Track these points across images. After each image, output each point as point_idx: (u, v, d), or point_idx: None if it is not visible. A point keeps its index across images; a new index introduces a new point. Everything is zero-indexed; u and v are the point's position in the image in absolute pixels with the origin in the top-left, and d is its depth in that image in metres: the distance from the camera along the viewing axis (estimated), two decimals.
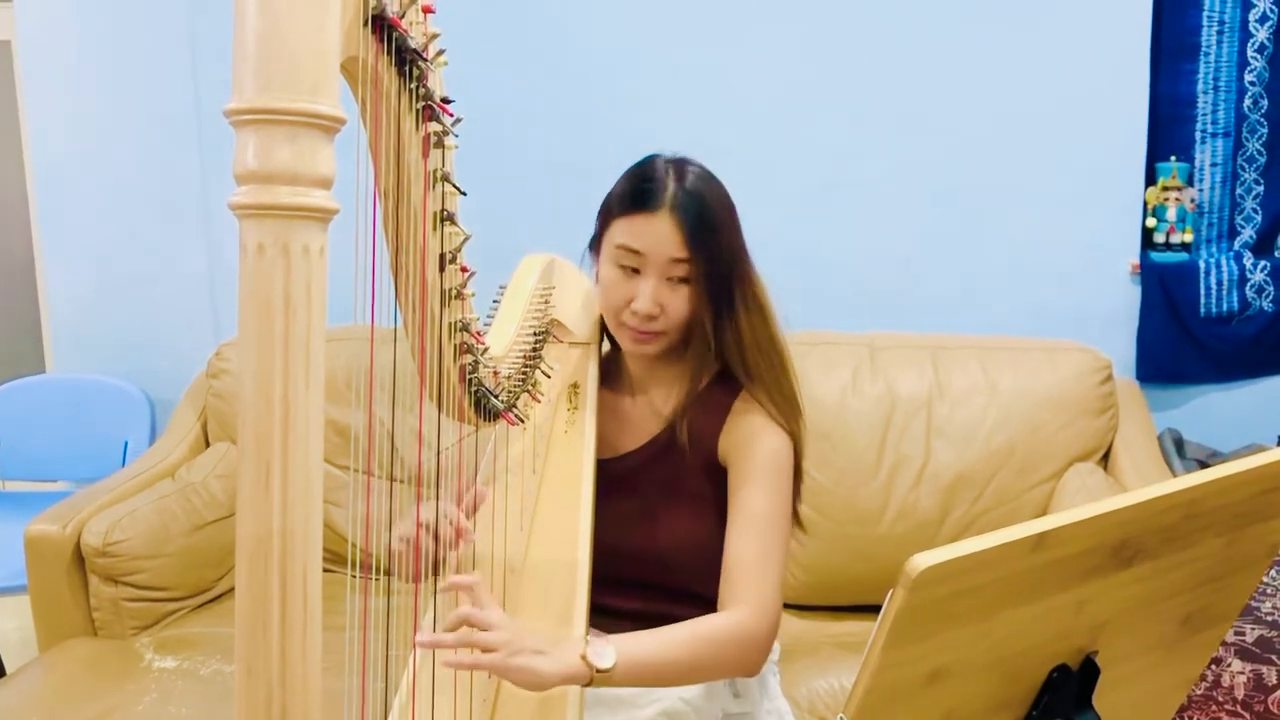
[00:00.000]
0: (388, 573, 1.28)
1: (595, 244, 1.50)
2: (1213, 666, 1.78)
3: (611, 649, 1.19)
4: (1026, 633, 0.82)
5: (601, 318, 1.56)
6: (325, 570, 0.81)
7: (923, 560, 0.69)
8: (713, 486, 1.45)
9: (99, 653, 2.29)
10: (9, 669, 2.78)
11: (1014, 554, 0.73)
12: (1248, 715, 1.77)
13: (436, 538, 1.34)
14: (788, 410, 1.45)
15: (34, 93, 3.13)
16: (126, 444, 3.03)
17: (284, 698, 0.78)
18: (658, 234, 1.39)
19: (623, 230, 1.41)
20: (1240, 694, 1.77)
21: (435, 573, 1.36)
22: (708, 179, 1.43)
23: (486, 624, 1.14)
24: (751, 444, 1.42)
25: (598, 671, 1.17)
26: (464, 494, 1.49)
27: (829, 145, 2.77)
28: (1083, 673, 0.87)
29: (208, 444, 2.82)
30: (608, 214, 1.45)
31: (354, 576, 1.16)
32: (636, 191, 1.41)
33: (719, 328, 1.43)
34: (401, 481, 2.39)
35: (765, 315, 1.46)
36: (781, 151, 2.79)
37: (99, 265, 3.14)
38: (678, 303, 1.42)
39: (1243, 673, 1.77)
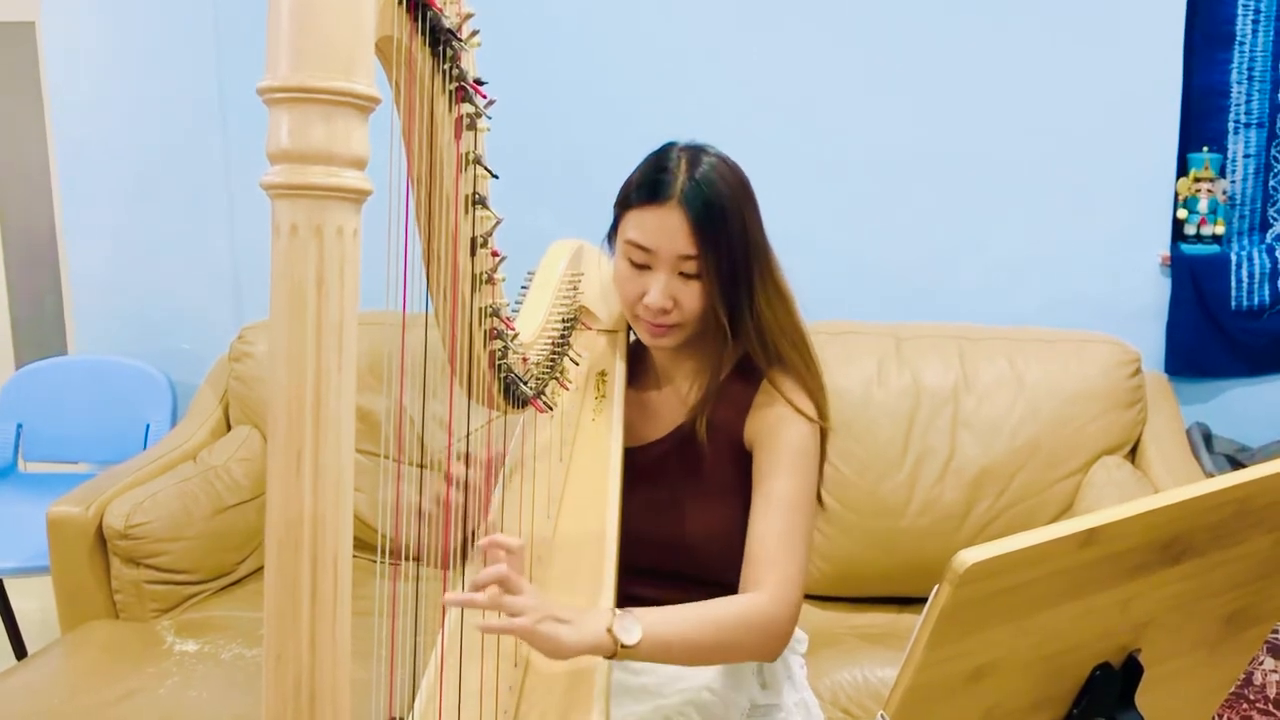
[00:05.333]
0: (415, 558, 1.26)
1: (611, 236, 1.49)
2: None
3: (639, 626, 1.17)
4: (1070, 630, 0.80)
5: None
6: (352, 557, 0.80)
7: (969, 556, 0.67)
8: (739, 475, 1.44)
9: (120, 635, 2.29)
10: (30, 650, 2.79)
11: (1062, 550, 0.72)
12: (1279, 714, 1.75)
13: (460, 509, 1.33)
14: (812, 394, 1.43)
15: (57, 74, 3.13)
16: (148, 426, 3.03)
17: (313, 685, 0.77)
18: (665, 229, 1.36)
19: (633, 225, 1.39)
20: (1272, 692, 1.75)
21: (463, 558, 1.35)
22: (721, 167, 1.39)
23: (517, 588, 1.13)
24: (776, 430, 1.40)
25: (622, 646, 1.16)
26: (490, 477, 1.48)
27: (855, 135, 2.75)
28: (1125, 671, 0.86)
29: (229, 427, 2.82)
30: (621, 206, 1.44)
31: (381, 563, 1.15)
32: (648, 182, 1.39)
33: (736, 318, 1.40)
34: (427, 468, 2.40)
35: (786, 300, 1.44)
36: (808, 141, 2.76)
37: (121, 248, 3.14)
38: (690, 297, 1.39)
39: (1275, 671, 1.74)
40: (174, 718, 1.97)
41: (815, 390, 1.44)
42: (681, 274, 1.38)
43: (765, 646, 1.31)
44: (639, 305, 1.41)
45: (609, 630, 1.16)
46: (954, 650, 0.73)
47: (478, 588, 1.13)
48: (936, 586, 0.69)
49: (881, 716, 0.73)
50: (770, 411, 1.42)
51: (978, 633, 0.73)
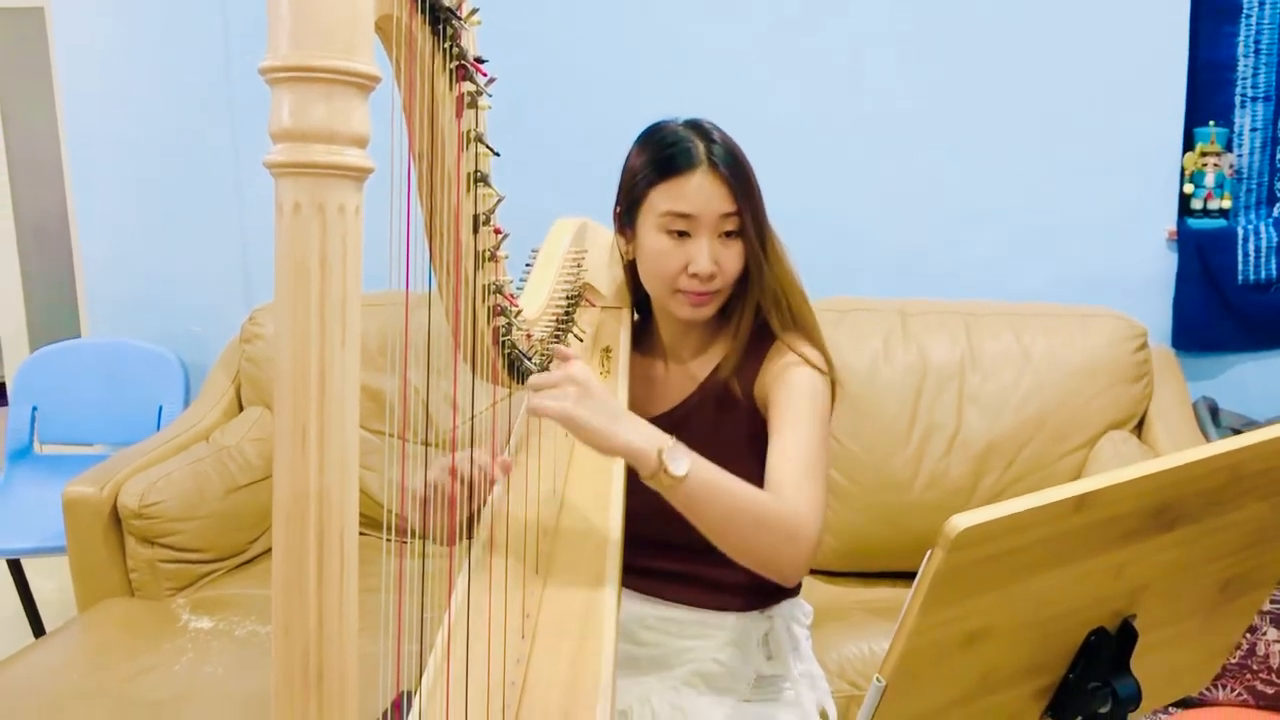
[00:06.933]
0: (422, 535, 1.28)
1: (627, 221, 1.49)
2: (1248, 635, 1.76)
3: (687, 462, 1.18)
4: (1065, 595, 0.81)
5: (635, 288, 1.55)
6: (359, 534, 0.81)
7: (962, 521, 0.69)
8: (749, 440, 1.46)
9: (136, 613, 2.32)
10: (48, 628, 2.83)
11: (1054, 515, 0.73)
12: None
13: (467, 483, 1.34)
14: (822, 349, 1.46)
15: (66, 60, 3.15)
16: (161, 408, 3.06)
17: (320, 657, 0.78)
18: (704, 193, 1.39)
19: (665, 197, 1.41)
20: (1275, 663, 1.76)
21: (469, 535, 1.36)
22: (725, 132, 1.44)
23: (570, 380, 1.17)
24: (789, 380, 1.42)
25: (665, 471, 1.17)
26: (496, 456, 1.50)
27: (862, 111, 2.75)
28: (1120, 636, 0.87)
29: (241, 408, 2.84)
30: (637, 187, 1.45)
31: (388, 540, 1.17)
32: (666, 158, 1.41)
33: (762, 276, 1.44)
34: (435, 446, 2.42)
35: (789, 261, 1.48)
36: (814, 117, 2.76)
37: (132, 232, 3.16)
38: (732, 258, 1.43)
39: (1279, 641, 1.75)
40: (189, 693, 2.00)
41: (822, 344, 1.47)
42: (722, 235, 1.42)
43: (786, 553, 1.27)
44: (682, 277, 1.43)
45: (659, 452, 1.18)
46: (948, 614, 0.74)
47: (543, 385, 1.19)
48: (930, 551, 0.70)
49: (877, 680, 0.75)
50: (781, 364, 1.45)
51: (972, 597, 0.75)
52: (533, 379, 1.18)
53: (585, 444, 1.19)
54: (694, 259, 1.41)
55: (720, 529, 1.26)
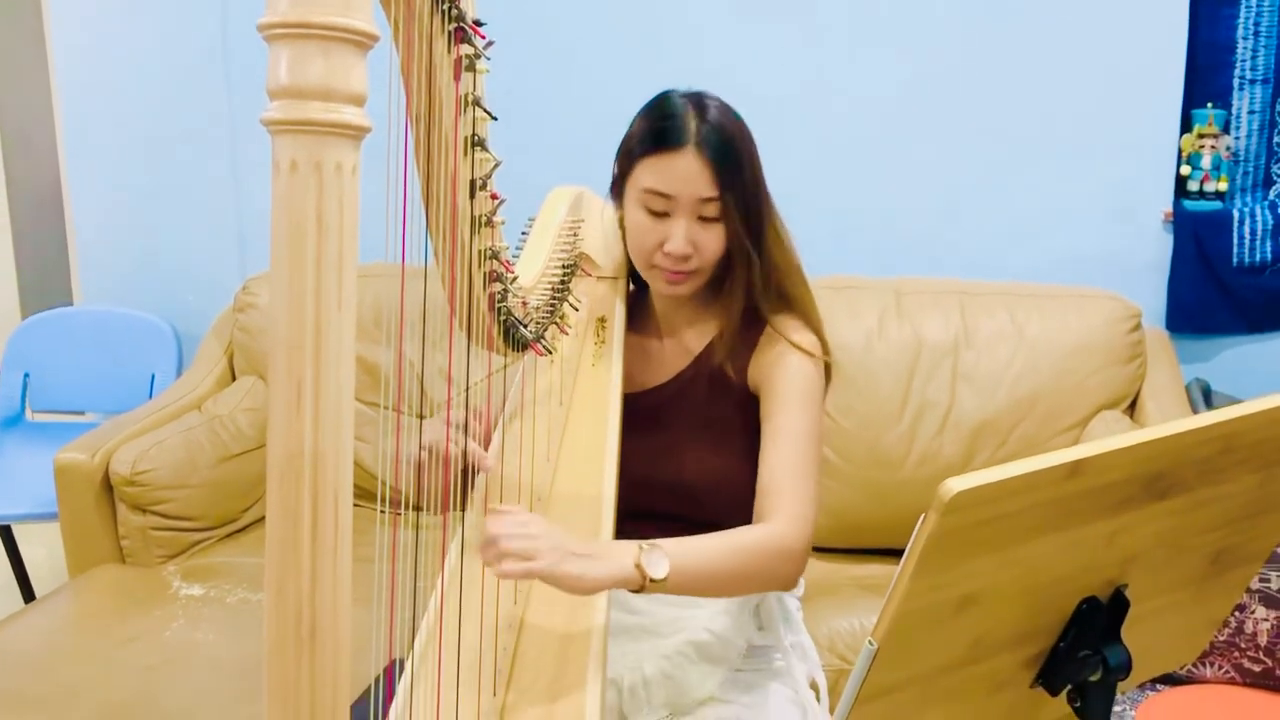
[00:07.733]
0: (416, 506, 1.28)
1: (618, 187, 1.49)
2: (1236, 613, 1.77)
3: (666, 561, 1.17)
4: (1057, 562, 0.81)
5: (629, 258, 1.55)
6: (353, 504, 0.81)
7: (956, 484, 0.69)
8: (742, 418, 1.46)
9: (127, 579, 2.32)
10: (38, 595, 2.83)
11: (1048, 481, 0.73)
12: (1269, 661, 1.77)
13: (462, 452, 1.35)
14: (816, 330, 1.46)
15: (60, 22, 3.12)
16: (153, 377, 3.05)
17: (314, 616, 0.78)
18: (685, 174, 1.37)
19: (648, 172, 1.40)
20: (1263, 640, 1.77)
21: (462, 506, 1.36)
22: (727, 111, 1.42)
23: (523, 534, 1.11)
24: (781, 368, 1.42)
25: (650, 581, 1.16)
26: (490, 427, 1.50)
27: (859, 89, 2.74)
28: (1112, 605, 0.87)
29: (234, 378, 2.84)
30: (629, 156, 1.44)
31: (382, 511, 1.17)
32: (658, 130, 1.40)
33: (751, 261, 1.43)
34: (429, 418, 2.42)
35: (788, 240, 1.47)
36: (812, 94, 2.75)
37: (126, 199, 3.15)
38: (710, 241, 1.41)
39: (1266, 620, 1.76)
40: (179, 659, 2.00)
41: (818, 326, 1.47)
42: (701, 218, 1.40)
43: (783, 572, 1.31)
44: (658, 254, 1.42)
45: (637, 565, 1.15)
46: (940, 579, 0.74)
47: (490, 540, 1.11)
48: (924, 515, 0.71)
49: (869, 643, 0.75)
50: (774, 351, 1.44)
51: (964, 561, 0.75)
52: (482, 546, 1.11)
53: (566, 591, 1.14)
54: (669, 238, 1.40)
55: (717, 590, 1.33)
